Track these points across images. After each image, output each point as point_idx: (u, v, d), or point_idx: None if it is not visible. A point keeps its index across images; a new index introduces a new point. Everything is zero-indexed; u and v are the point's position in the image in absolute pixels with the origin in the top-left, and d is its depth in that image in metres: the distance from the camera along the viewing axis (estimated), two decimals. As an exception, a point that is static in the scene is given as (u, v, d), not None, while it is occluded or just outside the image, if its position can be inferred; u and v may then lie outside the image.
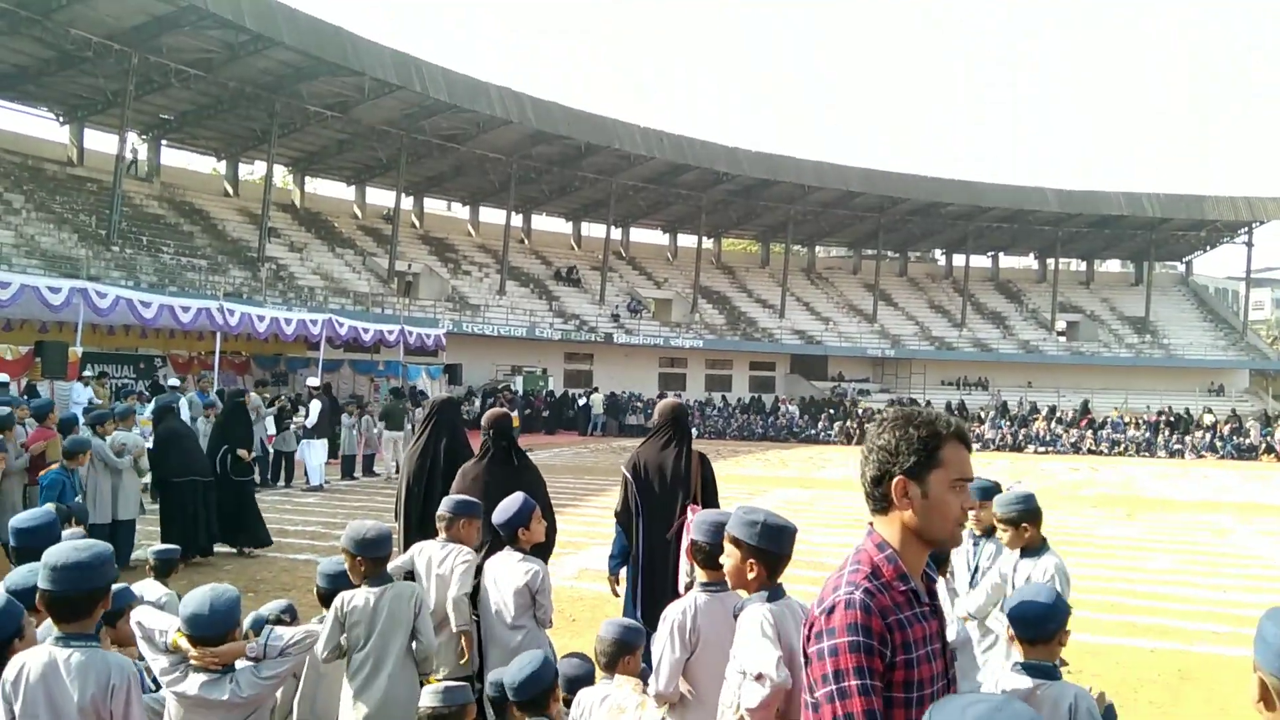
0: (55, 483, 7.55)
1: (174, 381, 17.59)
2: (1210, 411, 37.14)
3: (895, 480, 2.08)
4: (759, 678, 2.79)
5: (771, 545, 2.98)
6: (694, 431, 33.78)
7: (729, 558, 3.04)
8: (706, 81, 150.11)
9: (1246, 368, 45.71)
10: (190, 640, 3.16)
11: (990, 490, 4.61)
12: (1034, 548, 4.28)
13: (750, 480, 20.28)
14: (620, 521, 5.40)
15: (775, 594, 2.99)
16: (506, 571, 4.35)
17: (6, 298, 16.91)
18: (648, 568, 5.11)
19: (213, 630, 3.16)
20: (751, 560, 2.97)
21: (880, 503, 2.13)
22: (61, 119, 30.59)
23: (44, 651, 2.78)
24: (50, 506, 5.30)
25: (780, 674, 2.76)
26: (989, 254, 51.51)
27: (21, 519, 4.00)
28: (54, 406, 9.95)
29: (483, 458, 5.27)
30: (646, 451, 5.36)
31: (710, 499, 5.34)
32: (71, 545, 2.92)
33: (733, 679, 2.95)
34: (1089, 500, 18.45)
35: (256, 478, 11.21)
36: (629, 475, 5.30)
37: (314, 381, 17.91)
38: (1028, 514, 4.26)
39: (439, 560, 4.49)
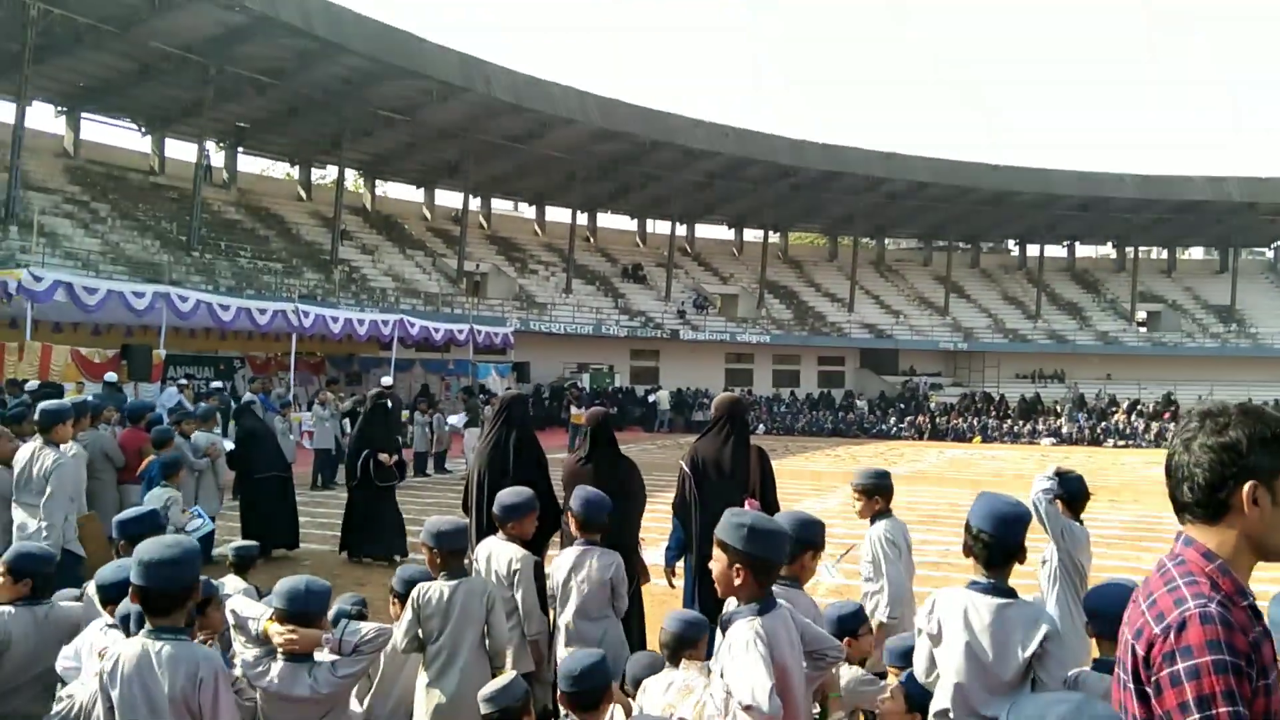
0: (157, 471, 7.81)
1: (248, 395, 17.94)
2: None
3: (1247, 485, 1.77)
4: (748, 709, 2.59)
5: (759, 550, 2.77)
6: (761, 427, 33.77)
7: (716, 562, 2.86)
8: (771, 75, 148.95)
9: (1340, 356, 43.82)
10: (281, 618, 3.25)
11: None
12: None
13: (819, 476, 20.09)
14: (678, 515, 5.45)
15: (766, 605, 2.80)
16: (591, 565, 4.40)
17: (95, 303, 17.58)
18: (704, 561, 5.13)
19: (306, 607, 3.27)
20: (738, 565, 2.78)
21: (1211, 510, 1.83)
22: (143, 129, 31.68)
23: (137, 644, 2.89)
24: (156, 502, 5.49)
25: (773, 705, 2.57)
26: (1064, 243, 50.24)
27: (128, 514, 4.21)
28: (150, 407, 10.29)
29: (586, 453, 5.40)
30: (704, 446, 5.39)
31: (769, 493, 5.34)
32: (162, 542, 3.02)
33: (717, 696, 2.76)
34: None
35: (399, 481, 10.32)
36: (687, 469, 5.33)
37: (387, 381, 18.21)
38: (878, 488, 4.81)
39: (496, 557, 4.56)
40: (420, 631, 3.96)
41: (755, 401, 38.16)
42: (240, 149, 35.06)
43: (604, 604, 4.43)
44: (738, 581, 2.78)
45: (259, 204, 34.21)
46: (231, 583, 5.42)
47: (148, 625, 2.92)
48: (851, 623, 3.98)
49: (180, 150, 32.98)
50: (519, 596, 4.46)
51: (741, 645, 2.68)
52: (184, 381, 17.45)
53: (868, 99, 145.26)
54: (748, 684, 2.60)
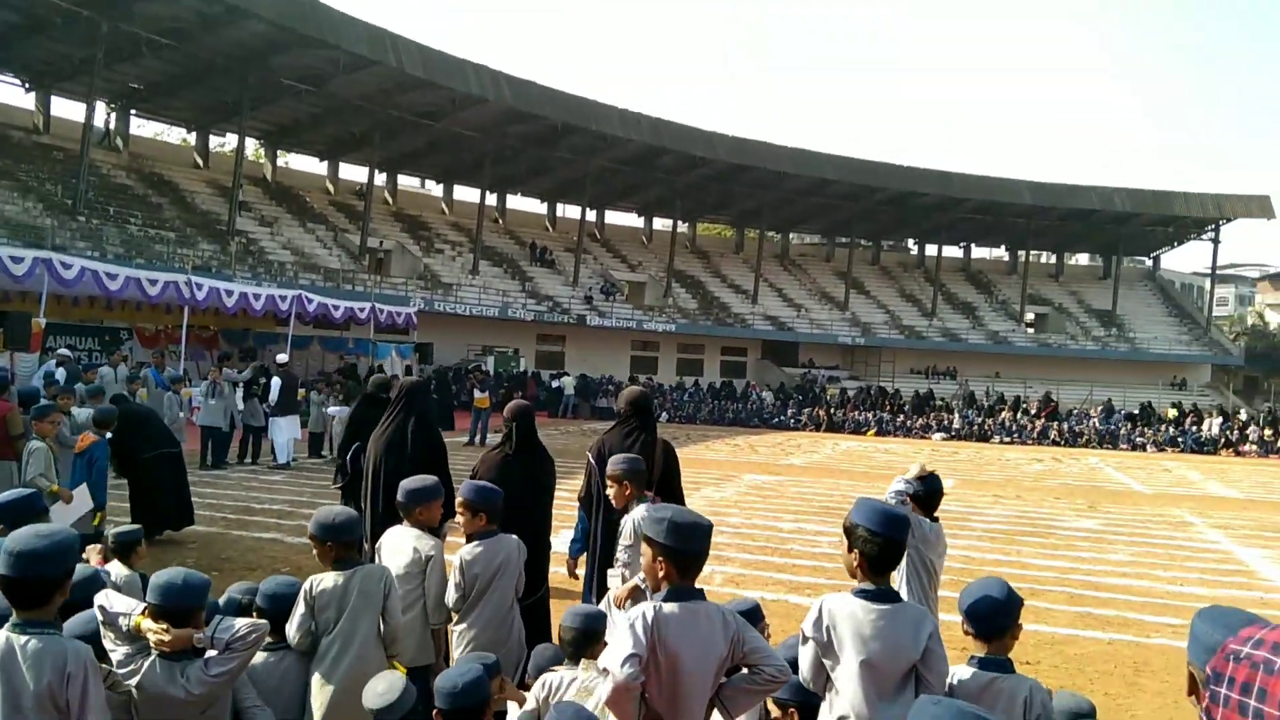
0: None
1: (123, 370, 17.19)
2: (1177, 407, 37.73)
3: None
4: (604, 672, 2.73)
5: (679, 543, 2.86)
6: (665, 415, 33.96)
7: (643, 555, 2.97)
8: (685, 64, 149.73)
9: (1209, 362, 46.53)
10: (155, 613, 3.10)
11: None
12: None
13: (719, 465, 20.37)
14: (583, 506, 5.46)
15: (682, 594, 2.86)
16: (502, 550, 4.38)
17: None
18: (606, 554, 5.15)
19: (182, 602, 3.11)
20: (660, 559, 2.87)
21: None
22: (28, 85, 30.06)
23: (1, 638, 2.76)
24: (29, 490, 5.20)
25: (624, 671, 2.64)
26: (961, 244, 51.94)
27: (4, 498, 3.97)
28: (13, 378, 9.78)
29: (511, 448, 5.34)
30: (611, 438, 5.41)
31: (671, 487, 5.39)
32: (33, 531, 2.87)
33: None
34: (1051, 491, 18.71)
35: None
36: (593, 461, 5.36)
37: (283, 358, 17.73)
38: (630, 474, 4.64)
39: (402, 546, 4.48)
40: (315, 624, 3.85)
41: (658, 390, 38.43)
42: (134, 112, 33.56)
43: (511, 590, 4.41)
44: (660, 574, 2.88)
45: (152, 170, 32.81)
46: (115, 569, 5.21)
47: (14, 618, 2.79)
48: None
49: (68, 109, 31.42)
50: (429, 585, 4.38)
51: (624, 620, 2.79)
52: (65, 352, 16.64)
53: (779, 96, 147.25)
54: (608, 652, 2.74)
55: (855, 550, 3.00)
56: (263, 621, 3.52)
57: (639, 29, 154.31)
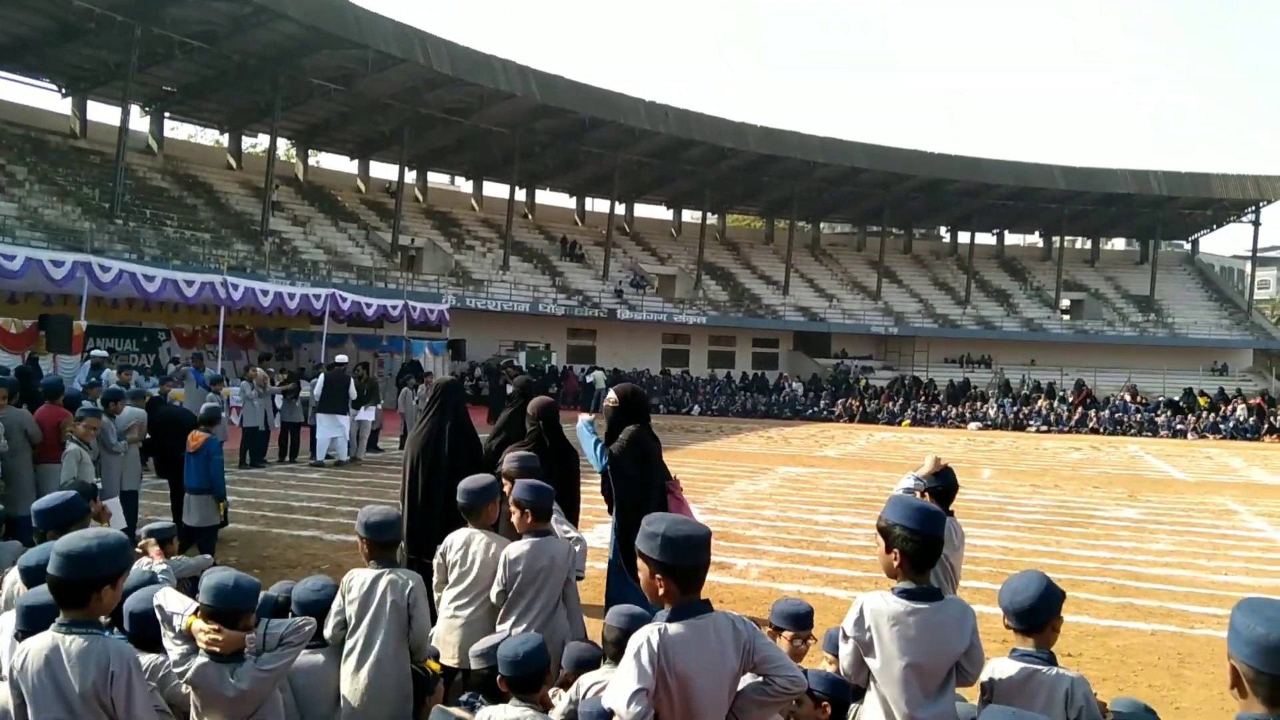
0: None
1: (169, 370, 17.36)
2: (1222, 393, 37.10)
3: None
4: (610, 714, 2.61)
5: (675, 558, 2.68)
6: (696, 409, 34.01)
7: (640, 572, 2.79)
8: (713, 55, 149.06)
9: (1250, 347, 45.60)
10: (207, 614, 3.14)
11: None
12: None
13: (752, 458, 20.31)
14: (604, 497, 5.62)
15: (687, 611, 2.69)
16: (547, 553, 4.40)
17: (14, 269, 16.94)
18: (628, 547, 5.17)
19: (233, 605, 3.15)
20: (659, 576, 2.70)
21: None
22: (64, 91, 30.50)
23: (47, 638, 2.82)
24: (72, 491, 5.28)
25: (631, 711, 2.51)
26: (994, 231, 51.35)
27: (44, 501, 4.02)
28: (63, 384, 9.91)
29: (532, 445, 5.34)
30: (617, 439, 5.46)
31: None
32: (80, 533, 2.95)
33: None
34: (1090, 480, 18.48)
35: None
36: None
37: (341, 358, 17.78)
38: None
39: (481, 548, 4.51)
40: (345, 616, 3.94)
41: (691, 382, 38.39)
42: (167, 114, 33.97)
43: (558, 592, 4.42)
44: (661, 592, 2.72)
45: (186, 171, 33.22)
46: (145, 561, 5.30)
47: (60, 618, 2.85)
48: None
49: (103, 113, 31.88)
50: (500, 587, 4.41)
51: (629, 651, 2.64)
52: (103, 354, 16.84)
53: (808, 85, 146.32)
54: (613, 689, 2.61)
55: (895, 550, 2.95)
56: (310, 618, 3.58)
57: (628, 24, 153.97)
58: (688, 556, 2.71)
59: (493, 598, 4.35)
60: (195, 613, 3.18)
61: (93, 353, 16.52)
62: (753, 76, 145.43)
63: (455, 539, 4.57)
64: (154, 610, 3.29)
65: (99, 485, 7.31)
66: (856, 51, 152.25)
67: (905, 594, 2.94)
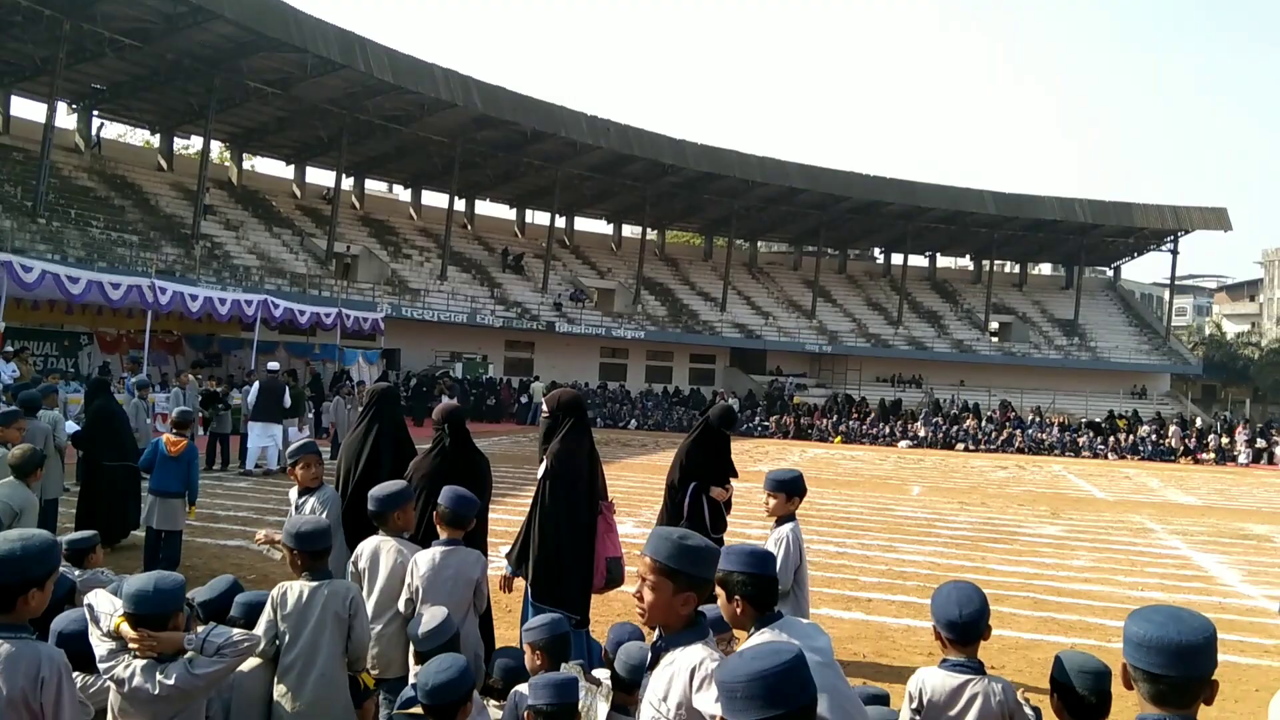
0: None
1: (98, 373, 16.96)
2: (1137, 416, 38.35)
3: None
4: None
5: (753, 568, 2.70)
6: (634, 423, 33.95)
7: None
8: (656, 72, 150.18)
9: (1168, 372, 47.32)
10: (132, 621, 3.09)
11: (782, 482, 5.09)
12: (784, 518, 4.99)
13: (688, 472, 20.39)
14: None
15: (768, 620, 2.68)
16: (456, 564, 4.35)
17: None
18: (544, 564, 5.14)
19: (156, 609, 3.09)
20: (736, 596, 2.68)
21: None
22: (-14, 85, 29.54)
23: None
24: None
25: None
26: (926, 254, 52.47)
27: None
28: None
29: (436, 450, 5.21)
30: (555, 445, 5.26)
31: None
32: (3, 535, 2.87)
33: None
34: (1015, 498, 18.94)
35: None
36: (541, 473, 5.28)
37: (274, 365, 17.47)
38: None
39: (385, 554, 4.47)
40: (278, 632, 3.83)
41: (628, 397, 38.46)
42: (96, 113, 33.07)
43: (467, 603, 4.39)
44: (739, 611, 2.67)
45: (115, 172, 32.35)
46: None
47: None
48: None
49: (28, 109, 30.96)
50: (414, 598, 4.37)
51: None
52: (10, 349, 16.28)
53: (748, 105, 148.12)
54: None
55: (736, 596, 2.76)
56: (257, 634, 3.51)
57: (574, 37, 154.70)
58: (765, 566, 2.82)
59: (400, 606, 4.33)
60: (121, 615, 3.12)
61: (7, 350, 16.01)
62: (697, 93, 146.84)
63: (365, 547, 4.52)
64: (84, 631, 3.23)
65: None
66: (802, 71, 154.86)
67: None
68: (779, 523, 4.95)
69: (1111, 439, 34.98)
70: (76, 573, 4.87)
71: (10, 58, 27.76)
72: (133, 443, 10.15)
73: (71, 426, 10.53)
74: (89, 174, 31.19)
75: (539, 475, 5.26)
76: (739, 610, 2.76)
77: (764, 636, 2.59)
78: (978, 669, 3.15)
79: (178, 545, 8.36)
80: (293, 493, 5.51)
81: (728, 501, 7.16)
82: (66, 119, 31.77)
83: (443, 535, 4.42)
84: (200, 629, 3.27)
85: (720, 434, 7.14)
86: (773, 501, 4.95)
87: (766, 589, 2.81)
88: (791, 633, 2.73)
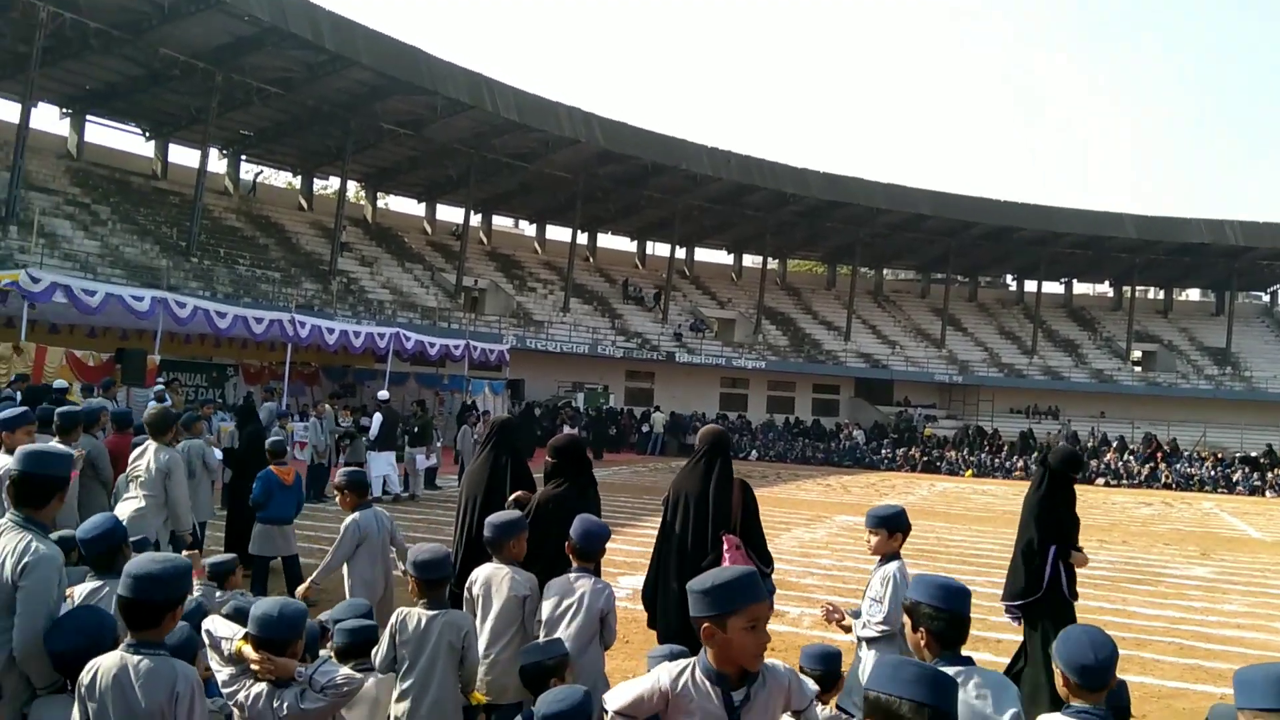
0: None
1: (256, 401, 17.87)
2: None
3: None
4: None
5: (942, 601, 2.89)
6: (755, 454, 33.64)
7: (908, 627, 2.94)
8: (774, 102, 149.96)
9: (1333, 403, 43.89)
10: (255, 643, 3.21)
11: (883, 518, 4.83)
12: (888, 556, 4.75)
13: (810, 506, 20.06)
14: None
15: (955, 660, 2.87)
16: (584, 594, 4.37)
17: (95, 305, 17.58)
18: (669, 602, 5.07)
19: (279, 634, 3.20)
20: (921, 629, 2.91)
21: None
22: (148, 134, 31.78)
23: (116, 657, 2.92)
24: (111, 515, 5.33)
25: None
26: (1062, 280, 50.44)
27: (84, 527, 4.02)
28: (132, 415, 10.19)
29: (557, 481, 5.27)
30: (685, 479, 5.33)
31: (752, 529, 5.29)
32: (150, 556, 3.07)
33: None
34: (1161, 537, 17.88)
35: None
36: (667, 505, 5.31)
37: (384, 394, 18.16)
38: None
39: (499, 584, 4.53)
40: (396, 656, 3.97)
41: (748, 428, 38.17)
42: (244, 157, 35.18)
43: (594, 634, 4.40)
44: (923, 643, 2.86)
45: (260, 212, 34.29)
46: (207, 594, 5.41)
47: (128, 638, 2.95)
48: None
49: (184, 156, 33.15)
50: (528, 623, 4.45)
51: None
52: (163, 382, 17.21)
53: (870, 133, 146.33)
54: None
55: (922, 628, 2.89)
56: (360, 676, 3.60)
57: (692, 71, 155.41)
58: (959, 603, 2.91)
59: (378, 667, 4.13)
60: (244, 638, 3.24)
61: (161, 382, 17.00)
62: (814, 122, 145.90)
63: (479, 574, 4.59)
64: (192, 641, 3.37)
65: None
66: (930, 98, 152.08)
67: (940, 660, 2.87)
68: (883, 560, 4.78)
69: (1270, 474, 32.68)
70: (219, 593, 5.12)
71: (168, 109, 29.82)
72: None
73: (218, 454, 11.08)
74: (237, 214, 33.13)
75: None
76: (923, 642, 2.84)
77: None
78: (1106, 717, 2.96)
79: (298, 567, 8.55)
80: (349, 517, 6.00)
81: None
82: (217, 164, 33.90)
83: (574, 564, 4.46)
84: (309, 664, 3.35)
85: (1067, 480, 6.35)
86: (874, 539, 4.77)
87: (955, 626, 2.85)
88: (973, 683, 2.76)
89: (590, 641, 4.37)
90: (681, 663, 2.67)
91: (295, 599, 3.45)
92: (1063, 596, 6.01)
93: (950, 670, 2.76)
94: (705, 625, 2.54)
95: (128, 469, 7.34)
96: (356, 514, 5.87)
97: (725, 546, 5.05)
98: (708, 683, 2.58)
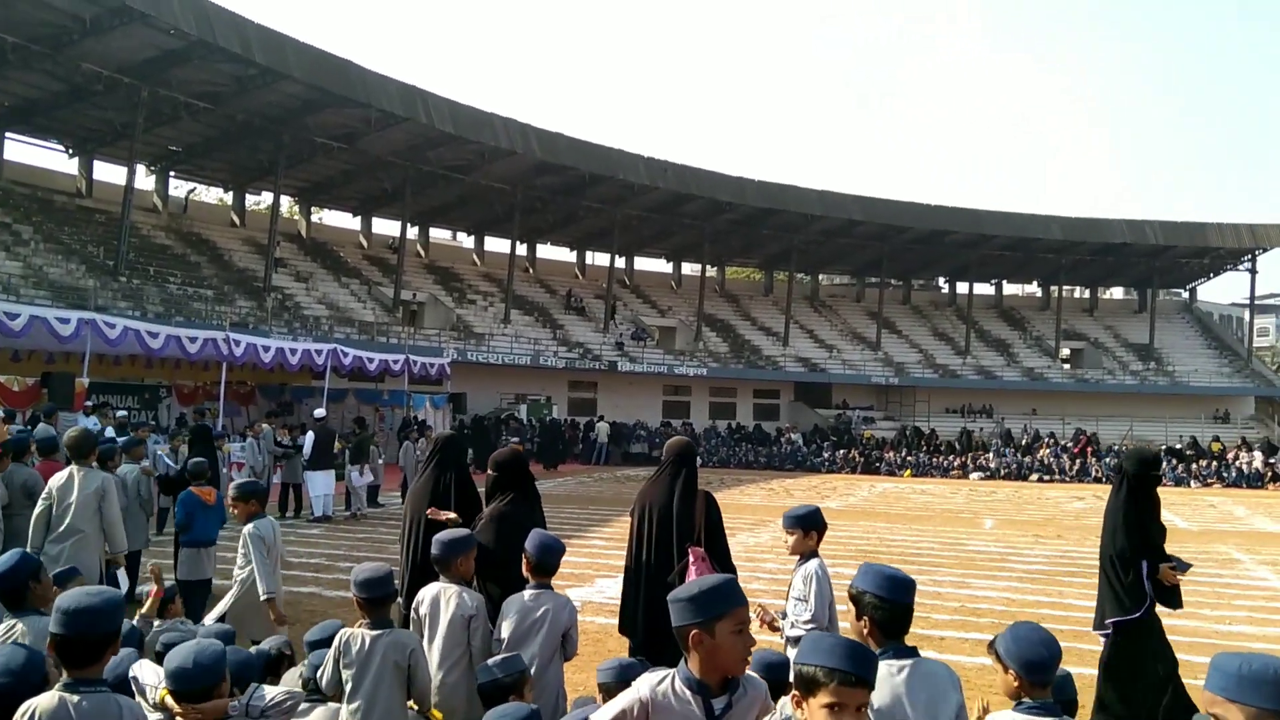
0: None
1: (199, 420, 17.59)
2: (1218, 440, 37.07)
3: None
4: None
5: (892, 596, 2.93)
6: (699, 460, 33.84)
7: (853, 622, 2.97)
8: (709, 109, 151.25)
9: (1252, 394, 45.59)
10: (175, 697, 3.07)
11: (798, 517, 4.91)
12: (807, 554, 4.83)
13: (753, 510, 20.24)
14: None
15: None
16: (546, 610, 4.37)
17: (18, 328, 17.09)
18: (652, 622, 5.11)
19: (197, 684, 3.04)
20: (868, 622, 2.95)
21: None
22: (71, 151, 30.94)
23: (54, 697, 2.77)
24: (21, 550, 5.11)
25: None
26: (992, 281, 51.65)
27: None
28: (58, 440, 9.93)
29: (503, 496, 5.27)
30: (651, 491, 5.38)
31: (717, 541, 5.34)
32: (84, 590, 2.95)
33: None
34: (1093, 530, 18.36)
35: None
36: (633, 520, 5.35)
37: (320, 413, 17.94)
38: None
39: (447, 602, 4.51)
40: (341, 677, 3.94)
41: (692, 434, 38.36)
42: (172, 173, 34.40)
43: (556, 649, 4.42)
44: (865, 632, 2.91)
45: (190, 229, 33.56)
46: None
47: (64, 677, 2.83)
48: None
49: (109, 173, 32.32)
50: (474, 643, 4.41)
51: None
52: (91, 403, 16.79)
53: (804, 139, 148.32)
54: None
55: (865, 617, 2.92)
56: (298, 690, 3.56)
57: (627, 81, 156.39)
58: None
59: (325, 690, 4.10)
60: (165, 688, 3.14)
61: (91, 405, 16.57)
62: (752, 128, 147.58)
63: (425, 594, 4.56)
64: (128, 680, 3.29)
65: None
66: (856, 105, 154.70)
67: (884, 654, 2.87)
68: (803, 559, 4.85)
69: (1194, 466, 33.81)
70: (156, 623, 5.03)
71: (92, 124, 29.06)
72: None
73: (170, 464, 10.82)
74: (166, 232, 32.39)
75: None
76: (865, 631, 2.88)
77: (880, 670, 2.58)
78: (1057, 713, 3.05)
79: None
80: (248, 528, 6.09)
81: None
82: (145, 180, 33.13)
83: (531, 581, 4.47)
84: (239, 696, 3.26)
85: (1148, 483, 6.11)
86: (791, 539, 4.83)
87: (898, 616, 2.89)
88: (914, 677, 2.84)
89: (553, 657, 4.39)
90: (661, 672, 2.69)
91: (212, 641, 3.29)
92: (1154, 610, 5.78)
93: (896, 662, 2.83)
94: (693, 632, 2.56)
95: (49, 496, 6.96)
96: (252, 524, 5.97)
97: (691, 559, 5.10)
98: (688, 692, 2.60)
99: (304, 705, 3.79)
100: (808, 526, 4.82)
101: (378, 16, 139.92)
